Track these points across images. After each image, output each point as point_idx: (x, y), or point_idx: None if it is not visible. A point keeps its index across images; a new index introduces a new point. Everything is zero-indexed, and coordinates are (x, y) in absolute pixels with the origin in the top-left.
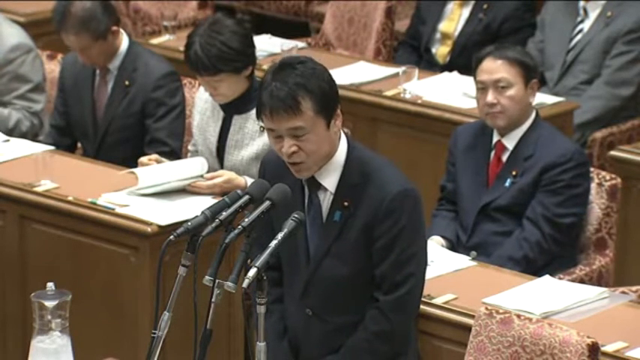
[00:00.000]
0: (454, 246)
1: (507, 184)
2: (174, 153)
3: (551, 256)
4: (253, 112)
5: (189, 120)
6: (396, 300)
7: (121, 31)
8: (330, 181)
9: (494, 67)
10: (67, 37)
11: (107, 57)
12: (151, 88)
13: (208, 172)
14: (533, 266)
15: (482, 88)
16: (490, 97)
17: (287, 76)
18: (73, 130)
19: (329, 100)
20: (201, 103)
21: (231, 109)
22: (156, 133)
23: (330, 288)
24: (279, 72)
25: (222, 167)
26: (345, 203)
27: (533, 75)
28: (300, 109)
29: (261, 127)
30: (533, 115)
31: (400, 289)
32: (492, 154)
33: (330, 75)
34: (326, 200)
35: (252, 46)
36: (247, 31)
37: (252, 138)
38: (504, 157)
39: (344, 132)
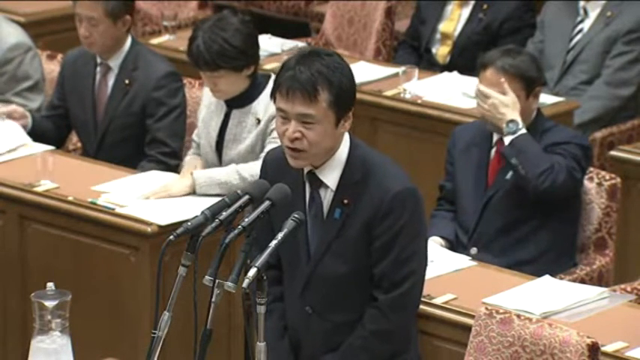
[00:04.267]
0: (453, 246)
1: (508, 176)
2: (175, 153)
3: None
4: (252, 105)
5: (191, 120)
6: (395, 299)
7: (130, 30)
8: (331, 178)
9: (496, 80)
10: (82, 3)
11: (107, 45)
12: (152, 87)
13: (209, 167)
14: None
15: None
16: None
17: (312, 63)
18: (71, 127)
19: (346, 98)
20: (208, 97)
21: (233, 105)
22: (156, 134)
23: (330, 286)
24: (305, 58)
25: (220, 161)
26: (345, 201)
27: (535, 84)
28: (316, 97)
29: (257, 119)
30: (535, 113)
31: (399, 288)
32: (493, 152)
33: (352, 75)
34: (327, 197)
35: (256, 46)
36: (252, 30)
37: (249, 131)
38: None
39: (347, 131)
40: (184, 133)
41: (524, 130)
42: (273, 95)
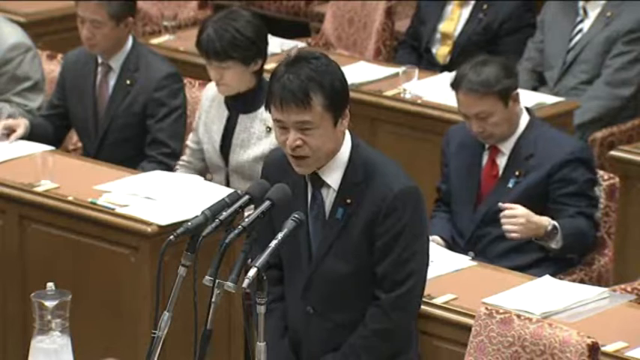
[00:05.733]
0: (451, 247)
1: (511, 184)
2: (175, 154)
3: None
4: (260, 111)
5: (190, 120)
6: (396, 298)
7: (132, 31)
8: (333, 178)
9: (469, 102)
10: (86, 4)
11: (110, 47)
12: (153, 88)
13: (215, 170)
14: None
15: (464, 115)
16: (475, 127)
17: (300, 69)
18: (70, 126)
19: (340, 98)
20: (207, 102)
21: (237, 108)
22: (157, 134)
23: (332, 286)
24: (293, 64)
25: (227, 165)
26: (348, 201)
27: (511, 91)
28: (310, 103)
29: (267, 127)
30: (526, 117)
31: (401, 288)
32: (486, 155)
33: (343, 74)
34: (329, 197)
35: (265, 40)
36: (262, 24)
37: (259, 138)
38: (499, 160)
39: (348, 130)
40: (185, 134)
41: (555, 224)
42: (267, 107)
